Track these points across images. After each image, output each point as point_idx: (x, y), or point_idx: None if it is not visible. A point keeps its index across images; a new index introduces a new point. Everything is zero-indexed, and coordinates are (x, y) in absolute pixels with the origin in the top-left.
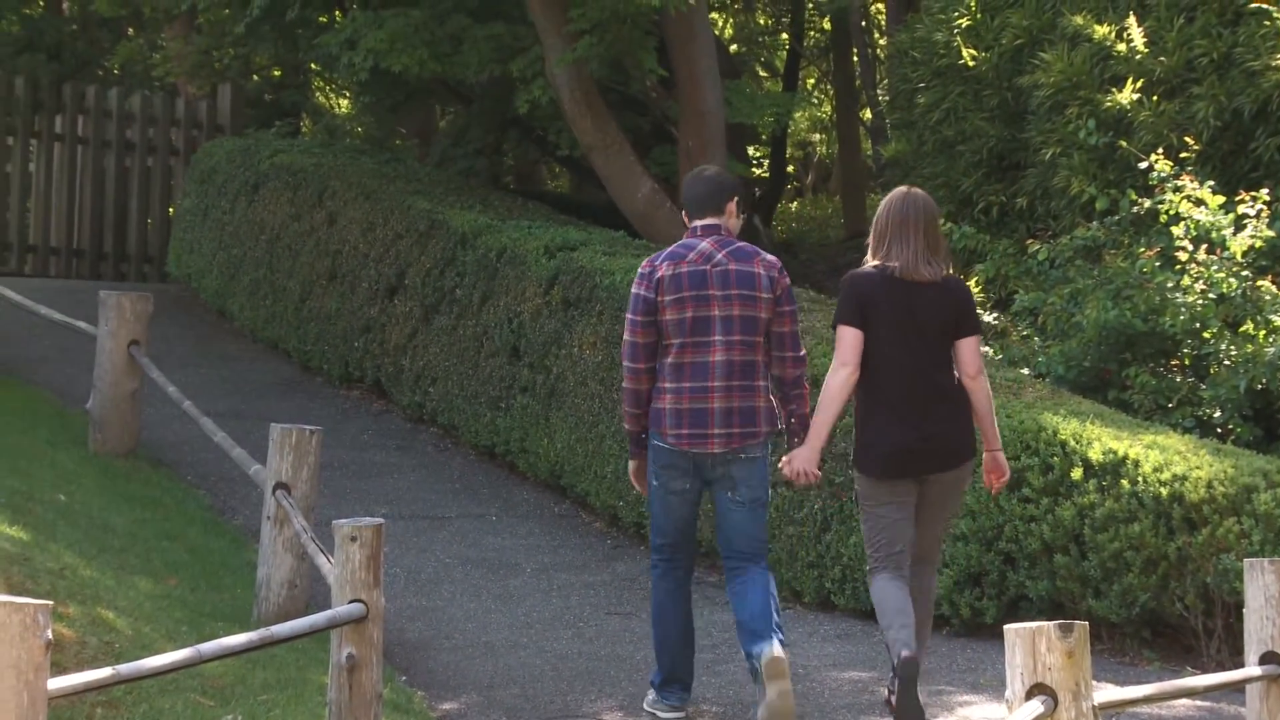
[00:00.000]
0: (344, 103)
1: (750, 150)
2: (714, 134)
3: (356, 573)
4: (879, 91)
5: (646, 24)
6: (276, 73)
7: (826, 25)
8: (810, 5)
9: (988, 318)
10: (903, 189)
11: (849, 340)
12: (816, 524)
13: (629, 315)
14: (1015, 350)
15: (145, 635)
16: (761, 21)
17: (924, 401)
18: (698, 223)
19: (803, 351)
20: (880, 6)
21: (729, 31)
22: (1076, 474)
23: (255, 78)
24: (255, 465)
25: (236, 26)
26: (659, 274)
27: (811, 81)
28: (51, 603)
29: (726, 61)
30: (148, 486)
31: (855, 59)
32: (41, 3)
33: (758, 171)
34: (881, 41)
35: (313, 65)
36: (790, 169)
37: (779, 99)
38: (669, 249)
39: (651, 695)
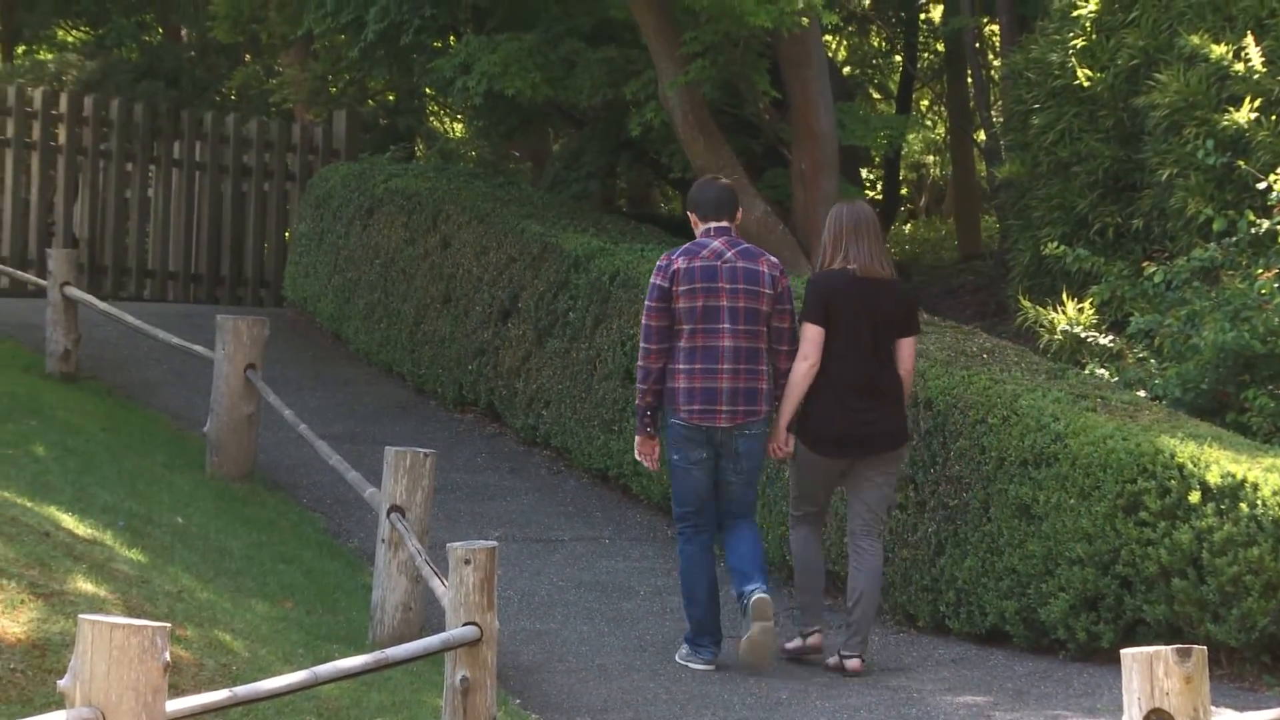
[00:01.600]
0: (458, 127)
1: (864, 172)
2: (827, 156)
3: (470, 596)
4: (993, 113)
5: (760, 46)
6: (391, 97)
7: (940, 47)
8: (924, 27)
9: (1103, 340)
10: (844, 202)
11: (813, 337)
12: (930, 547)
13: (647, 302)
14: (1131, 373)
15: (261, 657)
16: (875, 44)
17: (869, 392)
18: (711, 224)
19: (795, 348)
20: (994, 28)
21: (842, 54)
22: (1194, 497)
23: (370, 103)
24: (370, 488)
25: (351, 51)
26: (675, 267)
27: (925, 103)
28: (169, 625)
29: (840, 84)
30: (264, 509)
31: (969, 80)
32: (160, 30)
33: (871, 194)
34: (996, 63)
35: (427, 90)
36: (903, 191)
37: (892, 121)
38: (684, 246)
39: (685, 649)
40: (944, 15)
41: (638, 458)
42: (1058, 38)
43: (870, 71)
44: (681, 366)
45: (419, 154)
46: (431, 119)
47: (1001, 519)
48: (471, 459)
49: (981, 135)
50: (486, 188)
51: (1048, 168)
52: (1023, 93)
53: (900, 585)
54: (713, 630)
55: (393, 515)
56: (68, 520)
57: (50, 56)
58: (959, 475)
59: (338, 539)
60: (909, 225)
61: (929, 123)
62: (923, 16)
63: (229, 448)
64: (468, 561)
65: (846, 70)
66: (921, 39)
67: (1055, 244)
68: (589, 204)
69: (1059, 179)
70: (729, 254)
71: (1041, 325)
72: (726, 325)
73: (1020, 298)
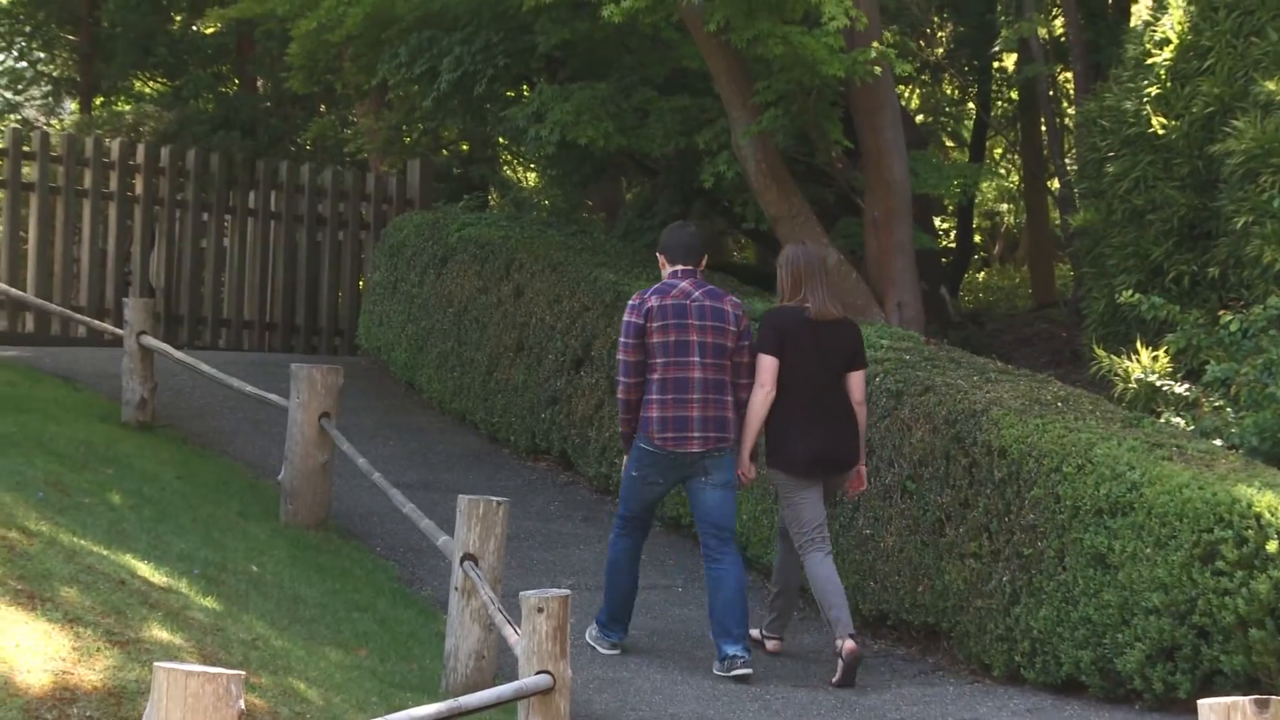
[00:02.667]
0: (531, 176)
1: (937, 221)
2: (900, 204)
3: (543, 644)
4: (1067, 161)
5: (833, 95)
6: (465, 147)
7: (1014, 95)
8: (998, 75)
9: (1179, 389)
10: (799, 245)
11: (768, 366)
12: (1005, 596)
13: (623, 339)
14: (1208, 421)
15: (335, 705)
16: (948, 92)
17: (828, 418)
18: (678, 267)
19: (754, 379)
20: (1068, 75)
21: (915, 102)
22: (1272, 547)
23: (444, 152)
24: (443, 536)
25: (425, 101)
26: (648, 304)
27: (999, 151)
28: (244, 673)
29: (913, 132)
30: (338, 557)
31: (1043, 128)
32: (236, 81)
33: (944, 242)
34: (1070, 110)
35: (500, 139)
36: (977, 239)
37: (965, 169)
38: (654, 287)
39: (595, 630)
40: (1018, 63)
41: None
42: (1132, 85)
43: (944, 119)
44: (655, 397)
45: (492, 203)
46: (505, 168)
47: (1077, 568)
48: (544, 507)
49: (1055, 183)
50: (560, 236)
51: (1122, 215)
52: (1097, 140)
53: (975, 634)
54: (624, 619)
55: (466, 563)
56: (143, 568)
57: (128, 108)
58: (1033, 524)
59: (411, 587)
60: (983, 273)
61: (1003, 171)
62: (996, 64)
63: (303, 496)
64: (541, 610)
65: (920, 118)
66: (995, 87)
67: (1130, 292)
68: None
69: (1134, 227)
70: (696, 293)
71: (1116, 374)
72: (696, 358)
73: (1095, 346)
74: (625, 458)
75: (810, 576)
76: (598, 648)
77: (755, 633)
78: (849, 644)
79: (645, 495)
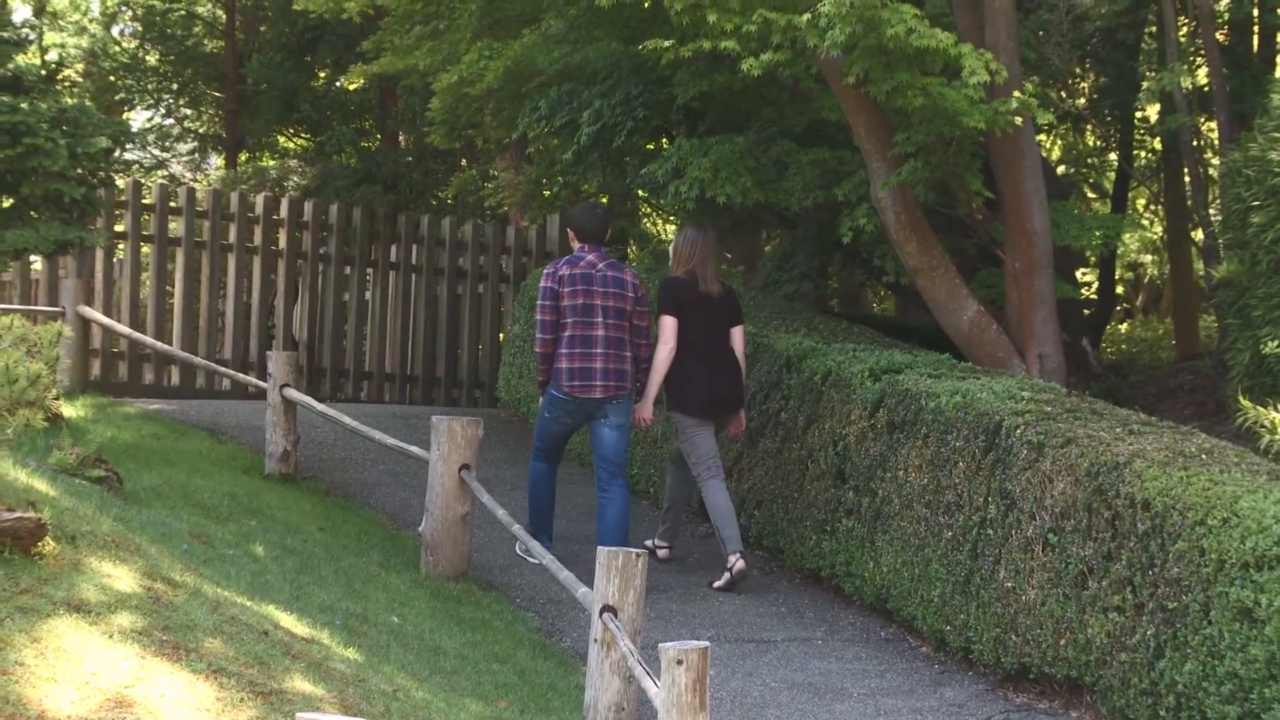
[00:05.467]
0: (670, 229)
1: (1079, 272)
2: (1041, 256)
3: (683, 696)
4: (1211, 211)
5: (973, 146)
6: (604, 200)
7: (1157, 145)
8: (1140, 125)
9: None
10: (696, 226)
11: (670, 325)
12: (1149, 651)
13: (540, 301)
14: None
15: None
16: (1090, 142)
17: (718, 369)
18: (586, 244)
19: (651, 340)
20: (1212, 125)
21: (1057, 152)
22: None
23: None
24: (583, 588)
25: (565, 154)
26: (560, 273)
27: (1142, 202)
28: None
29: (1054, 183)
30: (478, 609)
31: (1186, 179)
32: (378, 136)
33: (1086, 293)
34: (1214, 161)
35: (640, 192)
36: (1120, 290)
37: (1107, 220)
38: (565, 258)
39: (520, 547)
40: (1160, 113)
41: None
42: (1277, 135)
43: (1085, 170)
44: (564, 350)
45: (632, 255)
46: (644, 220)
47: (1222, 622)
48: (683, 560)
49: (1199, 234)
50: None
51: (1268, 266)
52: (1241, 191)
53: (1119, 689)
54: (548, 529)
55: (605, 615)
56: (286, 619)
57: (272, 163)
58: (1178, 578)
59: (550, 639)
60: (1125, 325)
61: (1145, 221)
62: (1139, 114)
63: (444, 547)
64: (680, 662)
65: (1061, 169)
66: (1138, 136)
67: (1276, 343)
68: (801, 304)
69: (1279, 277)
70: (600, 265)
71: (1262, 425)
72: (600, 319)
73: (1240, 398)
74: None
75: (708, 502)
76: (527, 559)
77: (649, 543)
78: (740, 563)
79: (554, 432)
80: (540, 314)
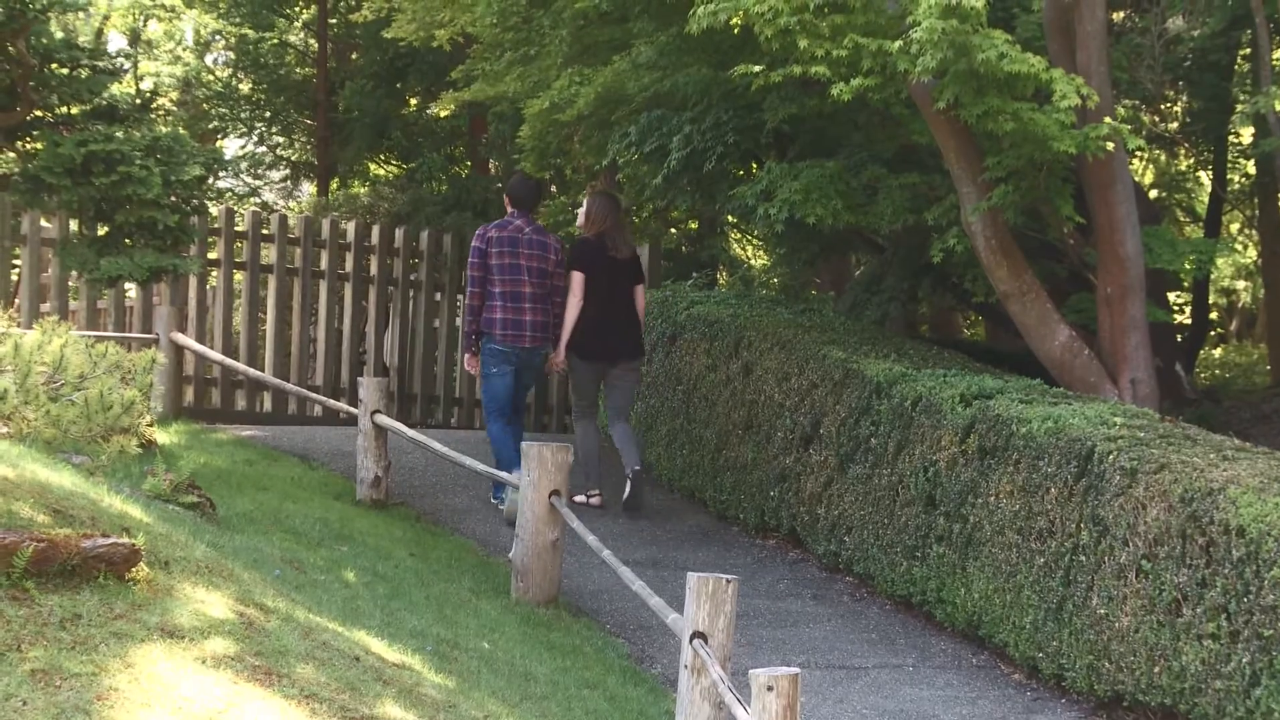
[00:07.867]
0: (759, 254)
1: (1171, 296)
2: (1133, 280)
3: None
4: None
5: (1064, 171)
6: (693, 225)
7: (1250, 169)
8: (1234, 149)
9: None
10: (605, 195)
11: (579, 281)
12: (1245, 678)
13: (471, 259)
14: None
15: None
16: (1182, 166)
17: (616, 321)
18: (517, 210)
19: (566, 297)
20: None
21: (1149, 176)
22: None
23: (673, 231)
24: (673, 614)
25: (655, 180)
26: (489, 235)
27: (1235, 226)
28: None
29: (1146, 207)
30: (568, 635)
31: None
32: (468, 163)
33: (1179, 318)
34: None
35: (729, 217)
36: (1213, 315)
37: (1200, 245)
38: (496, 222)
39: (497, 495)
40: (1255, 137)
41: (466, 368)
42: None
43: (1178, 194)
44: (498, 304)
45: (721, 281)
46: (734, 246)
47: None
48: (773, 585)
49: None
50: (788, 314)
51: None
52: None
53: (1214, 717)
54: (518, 461)
55: (695, 641)
56: (377, 645)
57: (363, 190)
58: (1274, 605)
59: (641, 665)
60: (1219, 350)
61: (1239, 246)
62: (1232, 137)
63: (534, 573)
64: (770, 688)
65: (1153, 193)
66: (1231, 160)
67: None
68: (891, 329)
69: None
70: (527, 229)
71: None
72: (525, 278)
73: None
74: (466, 355)
75: (579, 438)
76: (501, 507)
77: (580, 498)
78: (636, 470)
79: (499, 387)
80: (470, 270)
